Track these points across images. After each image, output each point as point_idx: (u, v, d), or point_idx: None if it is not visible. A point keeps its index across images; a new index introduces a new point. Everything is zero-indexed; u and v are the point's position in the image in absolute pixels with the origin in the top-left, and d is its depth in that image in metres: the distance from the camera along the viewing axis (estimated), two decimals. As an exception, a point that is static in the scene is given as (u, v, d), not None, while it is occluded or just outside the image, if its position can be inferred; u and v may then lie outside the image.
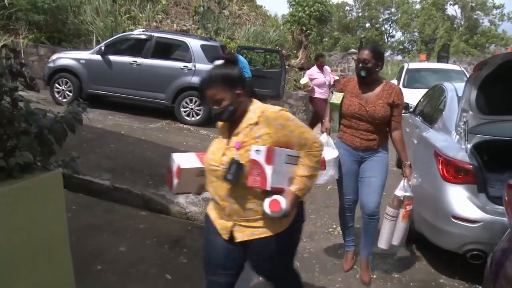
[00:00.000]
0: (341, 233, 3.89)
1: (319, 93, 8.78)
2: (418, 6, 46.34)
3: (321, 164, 2.79)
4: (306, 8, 14.31)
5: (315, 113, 9.24)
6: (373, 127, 3.34)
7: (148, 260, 3.46)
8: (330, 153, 3.40)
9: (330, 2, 15.09)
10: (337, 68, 20.90)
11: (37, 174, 2.18)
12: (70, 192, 4.33)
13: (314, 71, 8.86)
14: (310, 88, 8.71)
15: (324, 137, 3.49)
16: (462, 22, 44.07)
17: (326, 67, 9.09)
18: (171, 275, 3.28)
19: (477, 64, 3.70)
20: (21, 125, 2.13)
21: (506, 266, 1.93)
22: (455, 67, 12.33)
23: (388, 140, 3.48)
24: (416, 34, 46.16)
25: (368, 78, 3.35)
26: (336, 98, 3.48)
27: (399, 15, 47.57)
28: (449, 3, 44.30)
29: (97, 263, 3.26)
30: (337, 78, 8.73)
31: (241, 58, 9.26)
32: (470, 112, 3.77)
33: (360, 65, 3.35)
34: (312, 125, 8.80)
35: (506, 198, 2.15)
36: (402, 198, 3.31)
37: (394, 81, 11.76)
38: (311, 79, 8.71)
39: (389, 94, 3.33)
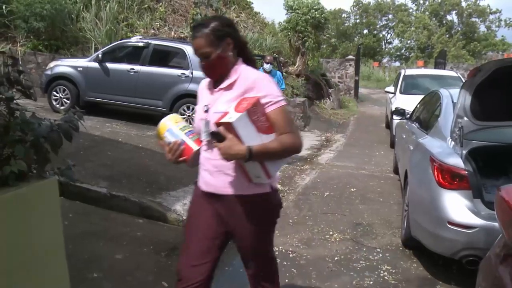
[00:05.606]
0: (337, 239, 3.83)
1: None
2: (414, 14, 46.69)
3: None
4: (302, 15, 14.36)
5: None
6: None
7: (145, 267, 3.46)
8: None
9: (325, 9, 15.09)
10: (335, 75, 21.04)
11: (32, 182, 2.18)
12: (67, 199, 4.34)
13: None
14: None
15: None
16: (459, 29, 44.37)
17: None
18: (167, 282, 3.28)
19: (471, 70, 3.73)
20: (17, 134, 2.14)
21: (497, 271, 1.94)
22: (452, 73, 12.42)
23: None
24: (413, 41, 46.40)
25: None
26: None
27: (395, 23, 47.85)
28: (444, 10, 44.68)
29: (94, 271, 3.26)
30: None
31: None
32: (465, 118, 3.79)
33: None
34: None
35: (497, 202, 2.15)
36: None
37: (391, 88, 11.70)
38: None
39: None
